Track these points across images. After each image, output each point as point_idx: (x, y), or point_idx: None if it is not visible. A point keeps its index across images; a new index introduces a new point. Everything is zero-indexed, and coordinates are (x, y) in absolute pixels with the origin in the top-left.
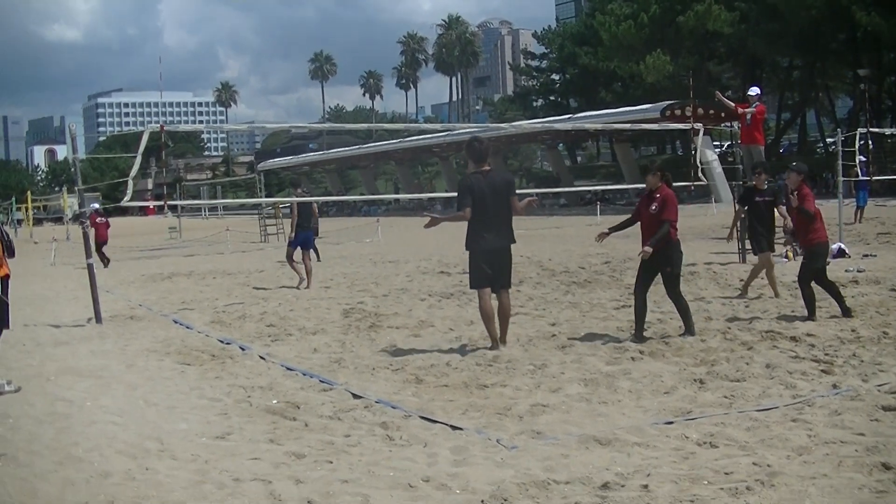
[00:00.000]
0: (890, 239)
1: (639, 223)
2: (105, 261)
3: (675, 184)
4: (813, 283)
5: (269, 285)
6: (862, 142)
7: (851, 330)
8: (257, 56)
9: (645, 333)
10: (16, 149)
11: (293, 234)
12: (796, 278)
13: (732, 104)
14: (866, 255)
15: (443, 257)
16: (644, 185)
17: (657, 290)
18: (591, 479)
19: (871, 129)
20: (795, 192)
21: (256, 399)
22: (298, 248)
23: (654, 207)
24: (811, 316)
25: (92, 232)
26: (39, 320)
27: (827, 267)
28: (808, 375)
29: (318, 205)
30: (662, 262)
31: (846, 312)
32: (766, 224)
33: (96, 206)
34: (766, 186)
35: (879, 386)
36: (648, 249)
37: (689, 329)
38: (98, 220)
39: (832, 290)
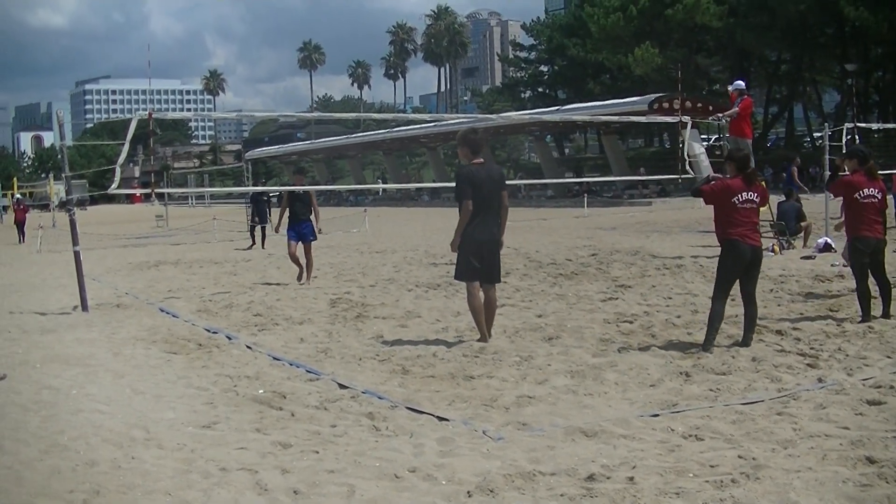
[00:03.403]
0: None
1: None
2: (21, 235)
3: (662, 177)
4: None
5: (257, 274)
6: (849, 136)
7: (837, 324)
8: (245, 44)
9: (631, 325)
10: (2, 135)
11: (278, 225)
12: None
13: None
14: None
15: (430, 248)
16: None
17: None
18: (577, 471)
19: (858, 124)
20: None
21: (243, 388)
22: (297, 241)
23: None
24: (865, 316)
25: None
26: (25, 308)
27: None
28: (794, 369)
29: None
30: None
31: (885, 314)
32: None
33: (19, 196)
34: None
35: (864, 380)
36: None
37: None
38: (19, 206)
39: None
